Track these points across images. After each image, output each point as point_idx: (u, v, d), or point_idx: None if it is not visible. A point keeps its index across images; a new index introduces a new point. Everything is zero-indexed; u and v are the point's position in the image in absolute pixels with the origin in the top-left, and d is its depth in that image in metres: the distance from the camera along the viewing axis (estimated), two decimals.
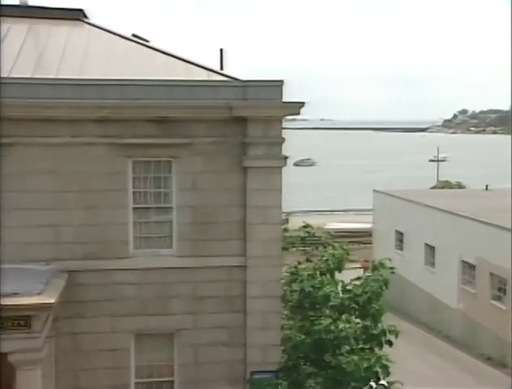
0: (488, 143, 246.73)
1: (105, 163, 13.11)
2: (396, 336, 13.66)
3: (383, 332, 13.52)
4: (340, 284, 14.09)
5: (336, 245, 16.30)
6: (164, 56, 14.91)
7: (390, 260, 14.51)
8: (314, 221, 60.46)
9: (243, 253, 13.62)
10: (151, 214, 13.47)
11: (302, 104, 13.43)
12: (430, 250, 33.94)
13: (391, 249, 38.58)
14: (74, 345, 13.17)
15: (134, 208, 13.39)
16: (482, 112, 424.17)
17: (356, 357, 13.09)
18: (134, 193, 13.37)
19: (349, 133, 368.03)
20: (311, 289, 13.83)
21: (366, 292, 13.74)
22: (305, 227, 29.05)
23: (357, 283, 14.09)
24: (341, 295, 13.85)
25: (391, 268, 14.37)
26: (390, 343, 13.55)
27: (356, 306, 13.76)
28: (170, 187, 13.47)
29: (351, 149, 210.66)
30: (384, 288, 13.87)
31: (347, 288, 14.04)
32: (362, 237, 60.44)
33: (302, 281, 14.16)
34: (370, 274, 14.32)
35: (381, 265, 14.39)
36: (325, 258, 14.64)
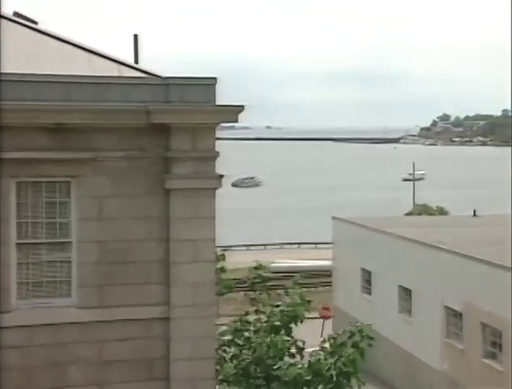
0: (476, 157, 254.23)
1: None
2: None
3: None
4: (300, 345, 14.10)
5: (293, 289, 16.39)
6: (59, 43, 14.82)
7: (370, 327, 14.65)
8: (259, 258, 60.72)
9: (165, 301, 13.60)
10: (41, 252, 13.27)
11: (241, 108, 13.55)
12: (406, 293, 34.56)
13: (356, 292, 39.07)
14: None
15: (19, 244, 13.14)
16: (468, 118, 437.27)
17: None
18: (18, 224, 13.13)
19: (302, 144, 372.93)
20: (259, 354, 13.81)
21: (337, 365, 13.77)
22: (256, 268, 29.08)
23: (321, 354, 14.08)
24: (299, 367, 13.87)
25: (370, 338, 14.48)
26: None
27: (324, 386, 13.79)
28: (68, 216, 13.35)
29: (304, 165, 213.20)
30: (360, 360, 13.95)
31: (312, 354, 14.07)
32: (319, 278, 61.22)
33: (249, 341, 14.15)
34: (339, 335, 14.39)
35: (360, 332, 14.48)
36: (279, 309, 14.65)
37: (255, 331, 14.28)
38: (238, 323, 14.90)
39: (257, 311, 21.40)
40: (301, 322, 16.46)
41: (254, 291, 26.85)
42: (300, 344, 16.19)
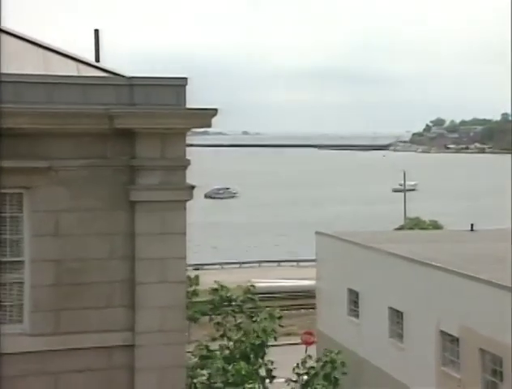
0: (474, 166, 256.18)
1: None
2: None
3: None
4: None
5: (266, 311, 16.45)
6: (10, 38, 14.74)
7: (338, 354, 14.68)
8: (234, 277, 60.74)
9: (130, 326, 13.53)
10: None
11: (215, 111, 13.57)
12: (397, 316, 34.56)
13: (343, 315, 39.03)
14: None
15: None
16: (464, 122, 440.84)
17: None
18: None
19: (283, 151, 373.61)
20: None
21: None
22: (216, 290, 29.09)
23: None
24: None
25: (343, 366, 14.51)
26: None
27: None
28: (20, 232, 13.25)
29: (285, 174, 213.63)
30: None
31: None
32: (301, 300, 61.21)
33: (217, 368, 14.17)
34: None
35: (332, 362, 14.52)
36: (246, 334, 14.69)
37: (224, 358, 14.32)
38: (204, 351, 14.94)
39: (223, 336, 21.35)
40: (275, 339, 16.35)
41: (219, 314, 26.87)
42: (270, 367, 16.17)
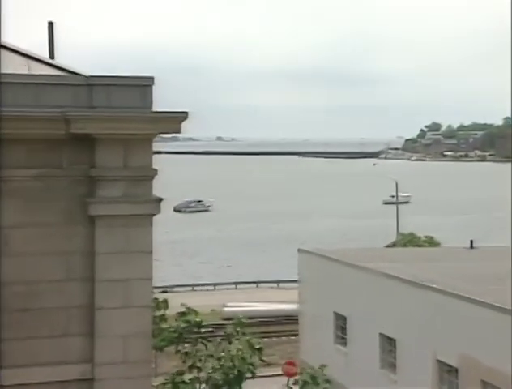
0: (473, 175, 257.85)
1: None
2: None
3: None
4: None
5: (244, 340, 16.38)
6: None
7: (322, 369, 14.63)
8: (208, 300, 60.65)
9: (88, 357, 13.45)
10: None
11: (185, 115, 13.52)
12: (389, 344, 34.61)
13: (329, 343, 39.04)
14: None
15: None
16: (462, 127, 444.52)
17: None
18: None
19: (262, 159, 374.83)
20: None
21: None
22: (183, 314, 28.89)
23: None
24: None
25: (327, 382, 14.46)
26: None
27: None
28: None
29: (264, 184, 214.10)
30: None
31: None
32: (283, 326, 61.21)
33: None
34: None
35: (314, 380, 14.44)
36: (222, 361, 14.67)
37: None
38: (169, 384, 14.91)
39: (191, 367, 21.19)
40: (253, 375, 16.23)
41: (189, 342, 26.66)
42: None
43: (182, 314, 28.41)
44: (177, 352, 27.27)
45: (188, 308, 29.07)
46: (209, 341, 26.17)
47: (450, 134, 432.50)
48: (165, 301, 37.84)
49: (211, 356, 24.05)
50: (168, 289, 71.96)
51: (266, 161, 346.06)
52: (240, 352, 15.06)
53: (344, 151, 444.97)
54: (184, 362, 22.98)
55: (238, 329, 28.42)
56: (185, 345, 27.09)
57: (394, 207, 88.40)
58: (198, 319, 28.08)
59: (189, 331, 27.39)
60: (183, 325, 27.49)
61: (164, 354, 35.88)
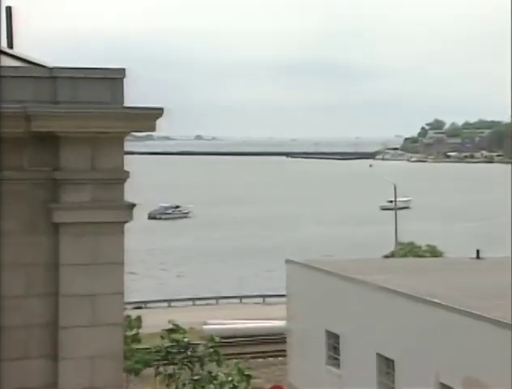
0: (479, 178, 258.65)
1: None
2: None
3: None
4: None
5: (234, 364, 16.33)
6: None
7: None
8: (186, 318, 60.48)
9: (51, 382, 13.37)
10: None
11: (160, 111, 13.47)
12: (387, 365, 34.62)
13: (320, 364, 39.01)
14: None
15: None
16: (468, 125, 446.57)
17: None
18: None
19: (246, 160, 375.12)
20: None
21: None
22: (171, 331, 28.72)
23: None
24: None
25: None
26: None
27: None
28: None
29: (249, 188, 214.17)
30: None
31: None
32: (269, 345, 61.16)
33: None
34: None
35: None
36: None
37: None
38: None
39: None
40: None
41: (171, 364, 26.50)
42: None
43: (170, 331, 28.29)
44: (158, 374, 27.18)
45: (176, 325, 28.96)
46: (195, 362, 26.14)
47: (454, 132, 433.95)
48: (138, 319, 37.72)
49: (197, 380, 24.00)
50: (141, 305, 71.92)
51: (251, 162, 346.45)
52: (229, 378, 14.96)
53: (337, 152, 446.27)
54: (168, 386, 22.89)
55: (211, 349, 28.33)
56: (168, 367, 27.02)
57: (393, 212, 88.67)
58: (186, 338, 28.02)
59: (177, 352, 27.33)
60: (167, 344, 27.41)
61: (138, 378, 35.79)
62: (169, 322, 30.30)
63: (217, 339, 29.54)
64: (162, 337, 29.68)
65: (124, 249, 13.69)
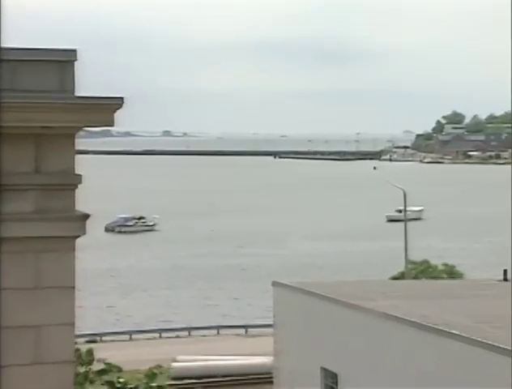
0: (507, 182, 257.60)
1: None
2: None
3: None
4: None
5: None
6: None
7: None
8: (150, 353, 60.41)
9: None
10: None
11: (119, 102, 13.43)
12: None
13: None
14: None
15: None
16: (493, 118, 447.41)
17: None
18: None
19: (224, 161, 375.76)
20: None
21: None
22: (102, 372, 28.67)
23: None
24: None
25: None
26: None
27: None
28: None
29: (227, 194, 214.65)
30: None
31: None
32: (254, 386, 61.15)
33: None
34: None
35: None
36: None
37: None
38: None
39: None
40: None
41: None
42: None
43: (101, 372, 27.94)
44: None
45: (108, 364, 28.65)
46: None
47: (477, 127, 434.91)
48: (89, 352, 37.68)
49: None
50: (96, 338, 71.85)
51: (231, 164, 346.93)
52: None
53: (334, 151, 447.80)
54: None
55: None
56: None
57: (402, 225, 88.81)
58: (121, 379, 27.75)
59: None
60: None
61: None
62: (98, 360, 30.03)
63: (165, 377, 29.31)
64: (91, 381, 29.23)
65: (74, 269, 13.63)
